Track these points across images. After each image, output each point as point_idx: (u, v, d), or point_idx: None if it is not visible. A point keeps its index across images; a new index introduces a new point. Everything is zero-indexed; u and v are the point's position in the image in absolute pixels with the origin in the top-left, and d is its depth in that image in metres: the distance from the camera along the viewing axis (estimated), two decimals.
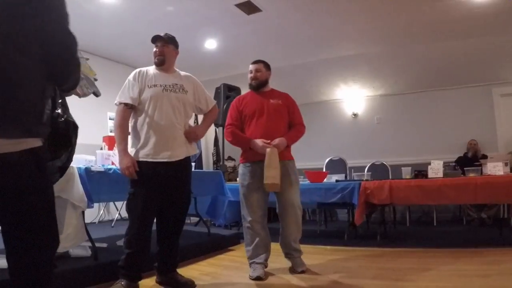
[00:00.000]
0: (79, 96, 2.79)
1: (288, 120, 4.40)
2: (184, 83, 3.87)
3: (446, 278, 3.74)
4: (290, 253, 4.33)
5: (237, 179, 4.50)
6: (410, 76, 8.94)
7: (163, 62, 3.81)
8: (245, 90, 9.31)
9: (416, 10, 6.61)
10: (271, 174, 3.99)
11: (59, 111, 2.24)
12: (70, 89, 2.33)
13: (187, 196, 3.91)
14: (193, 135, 3.84)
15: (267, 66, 4.52)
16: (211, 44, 8.48)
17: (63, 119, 2.25)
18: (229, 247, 5.98)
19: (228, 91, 8.65)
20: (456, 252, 4.91)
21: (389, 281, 3.74)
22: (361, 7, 6.64)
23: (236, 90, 8.87)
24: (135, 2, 6.45)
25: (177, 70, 3.99)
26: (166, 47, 3.82)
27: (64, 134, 2.26)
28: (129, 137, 3.76)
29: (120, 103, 3.65)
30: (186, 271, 4.20)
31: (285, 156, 4.26)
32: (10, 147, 1.79)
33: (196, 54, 8.84)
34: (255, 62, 4.52)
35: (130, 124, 3.74)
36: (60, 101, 2.26)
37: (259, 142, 4.13)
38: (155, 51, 3.83)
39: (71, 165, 3.82)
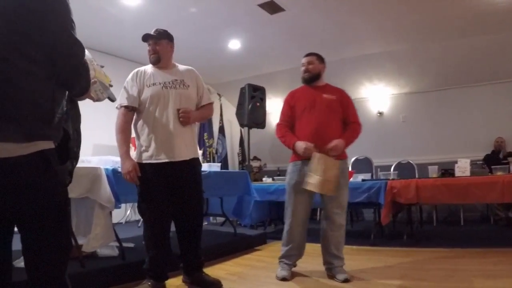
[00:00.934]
0: (93, 100, 2.82)
1: (342, 116, 4.14)
2: (185, 77, 3.79)
3: (474, 279, 3.70)
4: (331, 261, 4.06)
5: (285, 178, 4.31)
6: (436, 73, 8.83)
7: (158, 60, 3.73)
8: (270, 90, 9.41)
9: (440, 6, 6.51)
10: (312, 181, 3.80)
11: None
12: (81, 94, 2.36)
13: (198, 197, 3.82)
14: (186, 116, 3.61)
15: (320, 58, 4.27)
16: (234, 44, 8.48)
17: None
18: (255, 247, 5.98)
19: (253, 91, 8.65)
20: (484, 252, 4.85)
21: (416, 282, 3.72)
22: (385, 4, 6.57)
23: (261, 90, 8.88)
24: (158, 4, 6.49)
25: (177, 64, 3.89)
26: (158, 44, 3.72)
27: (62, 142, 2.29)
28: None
29: (121, 106, 3.62)
30: (213, 271, 4.23)
31: (339, 155, 4.01)
32: (20, 150, 1.85)
33: (220, 55, 8.87)
34: (307, 55, 4.29)
35: (134, 127, 3.73)
36: (65, 109, 2.29)
37: (301, 146, 3.93)
38: (149, 50, 3.75)
39: (98, 166, 3.90)
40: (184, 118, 3.60)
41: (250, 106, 8.40)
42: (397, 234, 6.27)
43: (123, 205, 4.99)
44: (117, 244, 4.28)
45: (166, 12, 6.77)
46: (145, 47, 3.80)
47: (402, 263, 4.55)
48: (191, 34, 7.56)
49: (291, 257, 4.17)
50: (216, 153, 10.21)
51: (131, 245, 4.90)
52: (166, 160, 3.52)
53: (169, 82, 3.65)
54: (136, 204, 7.72)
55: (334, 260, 4.04)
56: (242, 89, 8.71)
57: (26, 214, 1.93)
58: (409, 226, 6.24)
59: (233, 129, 11.15)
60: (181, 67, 3.88)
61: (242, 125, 9.02)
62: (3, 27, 1.85)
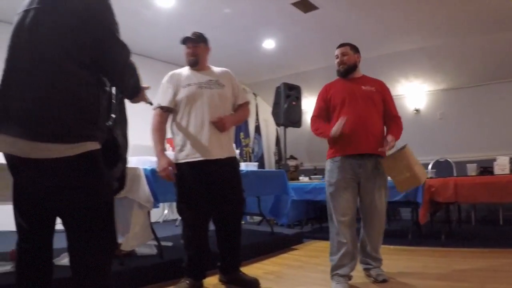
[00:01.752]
0: (151, 103, 2.89)
1: (382, 109, 3.91)
2: (220, 78, 3.82)
3: None
4: (369, 262, 3.91)
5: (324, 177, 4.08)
6: (473, 68, 8.62)
7: (196, 63, 3.79)
8: (305, 89, 9.37)
9: None
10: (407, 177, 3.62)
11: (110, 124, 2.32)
12: (132, 94, 2.41)
13: (238, 195, 3.84)
14: (220, 123, 3.63)
15: (354, 48, 4.00)
16: (269, 44, 8.51)
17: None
18: (292, 246, 5.99)
19: (289, 90, 8.66)
20: None
21: (454, 283, 3.69)
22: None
23: (297, 89, 8.88)
24: (192, 6, 6.57)
25: (211, 66, 3.93)
26: (196, 47, 3.77)
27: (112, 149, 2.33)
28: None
29: (156, 107, 3.69)
30: (250, 270, 4.27)
31: (380, 153, 3.79)
32: (70, 151, 1.92)
33: (255, 55, 8.92)
34: (340, 46, 4.01)
35: (170, 128, 3.79)
36: (114, 116, 2.33)
37: (336, 125, 3.67)
38: (188, 52, 3.79)
39: (137, 166, 3.96)
40: (219, 126, 3.63)
41: (286, 105, 8.41)
42: (435, 233, 6.19)
43: (160, 204, 5.06)
44: (155, 242, 4.37)
45: (200, 13, 6.85)
46: (179, 48, 3.85)
47: (440, 263, 4.51)
48: (226, 35, 7.62)
49: (344, 266, 3.70)
50: (252, 152, 10.27)
51: (169, 243, 4.97)
52: (201, 158, 3.56)
53: (204, 83, 3.71)
54: (173, 204, 7.84)
55: (372, 260, 3.91)
56: (278, 88, 8.73)
57: (74, 214, 2.01)
58: (447, 225, 6.16)
59: (269, 129, 11.18)
60: (216, 68, 3.93)
61: (278, 124, 9.03)
62: (51, 30, 1.93)
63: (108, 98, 2.19)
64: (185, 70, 3.85)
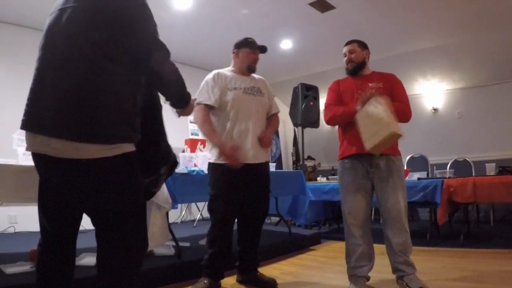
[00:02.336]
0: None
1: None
2: (260, 86, 3.93)
3: None
4: (401, 269, 3.55)
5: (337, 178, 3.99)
6: (492, 66, 8.54)
7: (255, 70, 3.94)
8: (322, 89, 9.37)
9: None
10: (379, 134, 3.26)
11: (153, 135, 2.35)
12: (179, 103, 2.44)
13: (267, 197, 3.94)
14: (265, 140, 3.76)
15: (362, 45, 3.88)
16: (286, 44, 8.54)
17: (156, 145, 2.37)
18: (310, 246, 6.01)
19: (306, 91, 8.68)
20: None
21: (473, 284, 3.67)
22: None
23: (314, 89, 8.90)
24: (209, 7, 6.61)
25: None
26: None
27: (153, 160, 2.35)
28: (207, 142, 3.87)
29: (200, 103, 3.70)
30: (268, 270, 4.30)
31: (390, 149, 3.57)
32: (106, 152, 1.92)
33: (272, 55, 8.88)
34: (348, 43, 3.93)
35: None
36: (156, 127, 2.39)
37: (363, 93, 3.45)
38: (255, 59, 3.91)
39: None
40: (265, 143, 3.79)
41: (303, 106, 8.43)
42: (454, 234, 6.16)
43: (178, 205, 5.09)
44: (173, 243, 4.41)
45: (218, 15, 6.90)
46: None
47: (459, 264, 4.49)
48: (243, 36, 7.57)
49: (362, 268, 3.63)
50: (270, 153, 10.26)
51: (187, 244, 5.02)
52: (244, 162, 3.60)
53: (248, 88, 3.80)
54: (191, 205, 7.88)
55: (404, 267, 3.55)
56: (295, 89, 8.74)
57: (108, 214, 2.01)
58: (466, 225, 6.11)
59: (287, 129, 11.19)
60: (255, 76, 4.03)
61: (295, 124, 9.05)
62: (90, 28, 1.93)
63: (140, 98, 2.18)
64: (229, 72, 3.90)
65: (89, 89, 1.89)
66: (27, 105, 1.97)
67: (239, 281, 3.96)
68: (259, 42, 3.95)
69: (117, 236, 2.03)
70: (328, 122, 3.86)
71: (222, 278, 3.78)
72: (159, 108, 2.42)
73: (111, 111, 1.93)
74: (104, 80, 1.93)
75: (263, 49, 3.91)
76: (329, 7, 6.77)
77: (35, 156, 2.01)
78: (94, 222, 2.05)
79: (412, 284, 3.45)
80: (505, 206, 7.87)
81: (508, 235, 6.41)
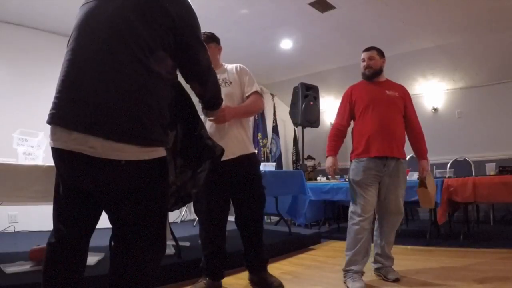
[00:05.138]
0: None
1: (403, 113, 4.02)
2: (228, 75, 3.75)
3: None
4: (380, 261, 3.99)
5: (348, 176, 4.11)
6: (492, 66, 8.53)
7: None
8: (322, 89, 9.38)
9: None
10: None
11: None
12: (211, 104, 2.52)
13: (258, 194, 3.79)
14: (220, 114, 3.28)
15: (381, 53, 4.08)
16: (286, 44, 8.53)
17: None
18: (309, 246, 6.01)
19: (306, 90, 8.71)
20: None
21: (473, 284, 3.67)
22: None
23: (314, 89, 8.93)
24: (208, 7, 6.59)
25: (225, 64, 3.88)
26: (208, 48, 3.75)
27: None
28: None
29: None
30: (268, 270, 4.27)
31: (400, 154, 3.92)
32: (143, 154, 1.86)
33: (272, 55, 8.93)
34: (367, 49, 4.10)
35: None
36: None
37: (329, 163, 4.02)
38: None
39: None
40: (219, 118, 3.36)
41: (303, 105, 8.46)
42: (454, 234, 6.18)
43: None
44: (173, 242, 4.41)
45: (218, 15, 6.88)
46: None
47: (459, 263, 4.50)
48: (243, 35, 7.65)
49: (359, 262, 3.78)
50: (270, 152, 10.28)
51: (187, 243, 5.02)
52: None
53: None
54: (191, 204, 7.89)
55: (385, 260, 3.99)
56: (295, 88, 8.77)
57: (135, 216, 1.95)
58: (466, 225, 6.12)
59: (287, 129, 11.19)
60: (229, 66, 3.87)
61: (295, 124, 9.07)
62: (138, 29, 1.87)
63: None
64: None
65: (134, 87, 1.83)
66: (58, 98, 1.86)
67: (250, 280, 3.89)
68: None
69: (137, 238, 1.96)
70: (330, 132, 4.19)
71: (222, 277, 3.77)
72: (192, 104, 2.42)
73: (153, 113, 1.88)
74: (149, 80, 1.87)
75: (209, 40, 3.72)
76: (329, 7, 6.77)
77: (64, 154, 1.86)
78: (114, 221, 1.99)
79: (389, 276, 3.87)
80: (505, 206, 7.88)
81: (508, 235, 6.43)
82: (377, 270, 4.04)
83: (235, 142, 3.62)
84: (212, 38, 3.78)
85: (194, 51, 2.10)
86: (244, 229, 3.80)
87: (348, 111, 4.08)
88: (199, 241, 3.80)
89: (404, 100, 4.04)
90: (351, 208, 3.91)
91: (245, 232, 3.81)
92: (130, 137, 1.80)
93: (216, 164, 2.53)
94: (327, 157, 4.06)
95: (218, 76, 3.39)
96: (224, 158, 3.50)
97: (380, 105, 3.90)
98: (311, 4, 6.66)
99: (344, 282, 3.76)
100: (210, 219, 3.67)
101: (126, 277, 1.96)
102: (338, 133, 4.10)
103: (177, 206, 2.44)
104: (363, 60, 4.07)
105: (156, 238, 2.03)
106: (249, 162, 3.76)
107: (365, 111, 3.94)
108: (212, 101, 2.55)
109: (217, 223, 3.71)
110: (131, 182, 1.88)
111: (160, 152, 1.95)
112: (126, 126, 1.79)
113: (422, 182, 4.29)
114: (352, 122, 4.14)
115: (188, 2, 2.11)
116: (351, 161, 4.02)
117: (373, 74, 4.03)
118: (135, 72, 1.84)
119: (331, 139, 4.11)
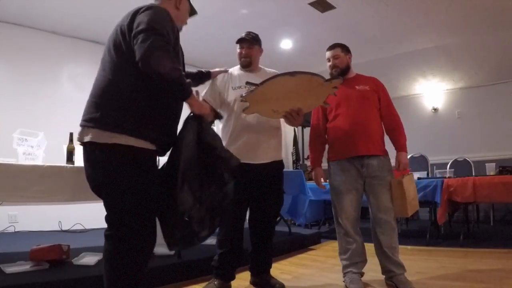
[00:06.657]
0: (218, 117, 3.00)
1: (377, 106, 3.80)
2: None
3: None
4: (390, 269, 3.58)
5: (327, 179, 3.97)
6: (492, 66, 8.56)
7: (249, 64, 3.72)
8: None
9: None
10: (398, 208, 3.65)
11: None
12: (172, 89, 2.47)
13: (277, 198, 3.80)
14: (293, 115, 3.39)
15: (345, 49, 3.89)
16: (286, 44, 8.54)
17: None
18: (310, 246, 6.01)
19: None
20: None
21: (472, 283, 3.67)
22: None
23: None
24: (209, 7, 6.58)
25: (263, 67, 3.87)
26: (251, 49, 3.71)
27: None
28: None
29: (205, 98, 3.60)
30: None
31: (378, 150, 3.69)
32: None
33: (272, 55, 8.90)
34: (331, 48, 3.92)
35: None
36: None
37: (317, 175, 3.95)
38: (240, 53, 3.73)
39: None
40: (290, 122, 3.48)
41: None
42: (454, 234, 6.18)
43: None
44: None
45: (218, 15, 6.89)
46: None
47: (459, 263, 4.49)
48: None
49: (357, 264, 3.69)
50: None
51: None
52: (247, 162, 3.44)
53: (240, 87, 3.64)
54: None
55: (394, 267, 3.57)
56: None
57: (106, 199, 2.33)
58: (466, 225, 6.12)
59: (287, 129, 11.17)
60: (267, 70, 3.86)
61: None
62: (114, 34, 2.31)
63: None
64: (236, 70, 3.81)
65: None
66: None
67: (252, 283, 3.86)
68: None
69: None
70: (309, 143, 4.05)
71: (233, 279, 3.69)
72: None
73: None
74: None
75: (237, 41, 3.75)
76: (329, 7, 6.78)
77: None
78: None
79: (401, 286, 3.46)
80: (505, 206, 7.90)
81: (508, 235, 6.42)
82: (389, 279, 3.65)
83: (272, 149, 3.68)
84: (256, 40, 3.78)
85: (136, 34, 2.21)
86: (257, 228, 3.78)
87: (321, 110, 3.93)
88: (216, 239, 3.69)
89: (377, 92, 3.84)
90: (334, 214, 3.83)
91: (258, 232, 3.77)
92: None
93: (235, 175, 2.58)
94: (313, 168, 4.01)
95: (258, 80, 3.18)
96: (259, 162, 3.55)
97: (349, 103, 3.73)
98: (311, 4, 6.67)
99: (344, 282, 3.74)
100: (234, 219, 3.59)
101: (106, 262, 2.25)
102: (313, 134, 3.99)
103: (214, 226, 2.51)
104: (328, 60, 3.91)
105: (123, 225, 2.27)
106: (280, 167, 3.80)
107: (335, 112, 3.80)
108: (171, 88, 2.31)
109: (239, 223, 3.66)
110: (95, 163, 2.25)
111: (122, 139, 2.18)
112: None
113: (399, 182, 3.68)
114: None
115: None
116: (328, 163, 3.92)
117: (340, 73, 3.81)
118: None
119: (310, 147, 4.03)
